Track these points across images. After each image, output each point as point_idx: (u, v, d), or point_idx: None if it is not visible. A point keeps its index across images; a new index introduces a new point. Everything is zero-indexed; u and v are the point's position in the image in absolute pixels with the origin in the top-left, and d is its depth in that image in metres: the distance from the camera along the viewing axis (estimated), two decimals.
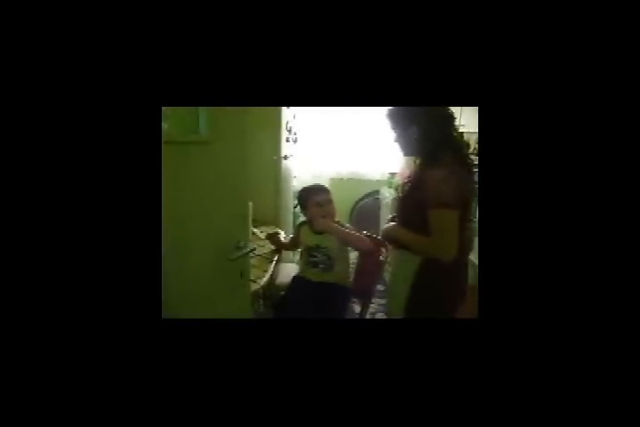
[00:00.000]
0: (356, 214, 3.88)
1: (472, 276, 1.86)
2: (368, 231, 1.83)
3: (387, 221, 1.47)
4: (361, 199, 3.92)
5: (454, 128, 1.29)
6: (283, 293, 1.80)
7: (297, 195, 1.78)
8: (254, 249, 1.21)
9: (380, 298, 2.42)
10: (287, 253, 2.59)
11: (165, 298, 0.71)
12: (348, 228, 1.66)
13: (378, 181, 3.85)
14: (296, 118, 3.02)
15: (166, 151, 0.71)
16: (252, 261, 1.68)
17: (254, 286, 1.51)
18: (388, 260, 1.72)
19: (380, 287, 2.34)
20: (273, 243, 1.91)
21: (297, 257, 2.19)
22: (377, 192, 3.75)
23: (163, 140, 0.69)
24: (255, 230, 2.21)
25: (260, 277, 1.60)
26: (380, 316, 2.44)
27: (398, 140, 1.33)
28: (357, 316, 1.81)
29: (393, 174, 3.63)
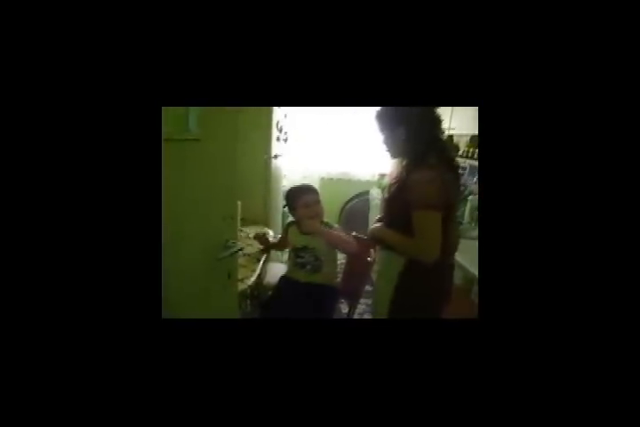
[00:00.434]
0: (345, 215, 3.89)
1: (460, 277, 1.88)
2: (357, 232, 1.84)
3: (374, 221, 1.47)
4: (350, 200, 3.92)
5: (441, 130, 1.31)
6: (270, 293, 1.79)
7: (285, 195, 1.78)
8: (242, 249, 1.21)
9: (367, 298, 2.43)
10: (275, 253, 2.58)
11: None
12: (337, 229, 1.66)
13: (368, 181, 3.86)
14: (287, 118, 3.02)
15: None
16: (241, 260, 1.67)
17: (242, 286, 1.50)
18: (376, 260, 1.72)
19: (368, 288, 2.34)
20: (261, 243, 1.91)
21: (285, 257, 2.19)
22: (366, 193, 3.76)
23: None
24: (244, 230, 2.20)
25: (248, 277, 1.59)
26: (367, 316, 2.45)
27: (386, 141, 1.34)
28: (345, 316, 1.81)
29: (383, 175, 3.64)
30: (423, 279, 1.27)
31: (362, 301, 2.45)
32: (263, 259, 1.84)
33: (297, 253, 1.69)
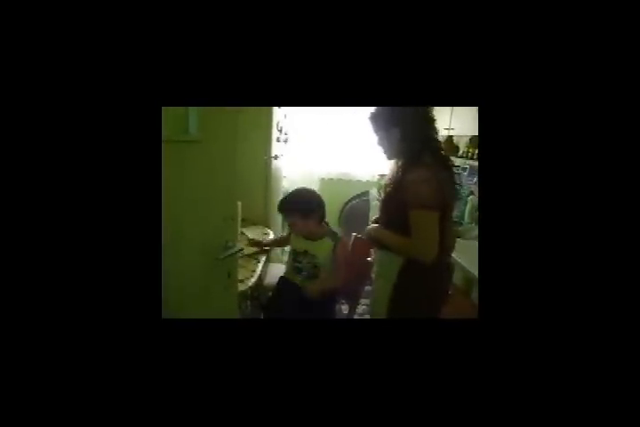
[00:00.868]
0: (345, 215, 3.88)
1: (460, 277, 1.88)
2: (357, 232, 1.84)
3: (371, 222, 1.48)
4: (350, 200, 3.92)
5: (435, 130, 1.32)
6: (271, 293, 1.79)
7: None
8: (242, 249, 1.21)
9: (368, 299, 2.42)
10: (276, 254, 2.58)
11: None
12: (335, 232, 1.65)
13: (368, 181, 3.86)
14: (287, 118, 3.01)
15: None
16: (241, 261, 1.66)
17: (242, 287, 1.50)
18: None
19: (368, 288, 2.34)
20: (258, 247, 1.91)
21: (286, 257, 2.19)
22: (366, 193, 3.76)
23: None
24: (244, 230, 2.20)
25: (248, 278, 1.59)
26: (368, 317, 2.44)
27: (381, 142, 1.35)
28: (345, 317, 1.81)
29: (383, 176, 3.64)
30: (421, 279, 1.27)
31: (362, 301, 2.45)
32: (263, 260, 1.84)
33: (296, 256, 1.66)
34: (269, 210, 2.61)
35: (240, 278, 1.52)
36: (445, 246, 1.23)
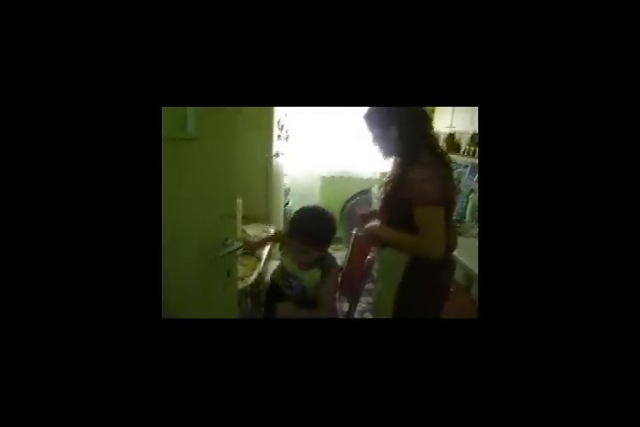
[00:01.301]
0: (346, 213, 3.89)
1: (460, 275, 1.88)
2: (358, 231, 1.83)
3: (361, 217, 1.47)
4: (352, 198, 3.92)
5: (431, 127, 1.33)
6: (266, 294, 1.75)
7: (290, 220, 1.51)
8: (241, 247, 1.21)
9: (367, 297, 2.42)
10: (276, 251, 2.58)
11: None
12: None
13: (369, 179, 3.86)
14: (288, 116, 3.01)
15: None
16: (241, 259, 1.67)
17: (242, 284, 1.50)
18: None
19: (370, 286, 2.34)
20: (252, 250, 1.87)
21: None
22: (368, 191, 3.76)
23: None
24: (245, 228, 2.20)
25: (249, 276, 1.60)
26: (368, 315, 2.45)
27: (377, 140, 1.35)
28: (345, 315, 1.81)
29: (384, 174, 3.64)
30: (427, 276, 1.28)
31: (362, 300, 2.44)
32: (264, 257, 1.85)
33: (285, 275, 1.51)
34: (270, 208, 2.61)
35: (240, 276, 1.53)
36: (449, 242, 1.23)
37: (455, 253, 1.42)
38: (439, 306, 1.37)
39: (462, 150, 2.81)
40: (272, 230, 2.30)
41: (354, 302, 1.83)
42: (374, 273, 1.62)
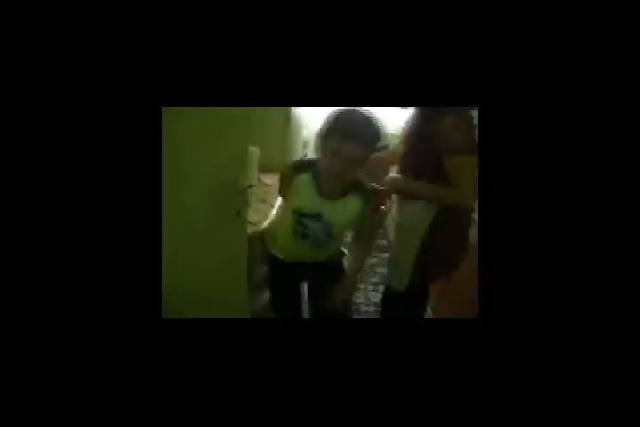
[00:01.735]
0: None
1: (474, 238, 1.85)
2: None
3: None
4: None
5: None
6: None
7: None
8: (252, 185, 1.19)
9: (381, 252, 2.43)
10: None
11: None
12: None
13: (392, 135, 3.75)
14: None
15: None
16: (256, 205, 1.67)
17: (255, 228, 1.51)
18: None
19: (382, 242, 2.34)
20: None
21: None
22: (387, 146, 3.66)
23: None
24: (262, 177, 2.19)
25: (260, 221, 1.60)
26: (380, 270, 2.46)
27: None
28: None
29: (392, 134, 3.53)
30: (453, 227, 1.29)
31: (376, 253, 2.45)
32: (278, 204, 1.84)
33: (301, 219, 1.14)
34: (288, 158, 2.58)
35: (253, 222, 1.53)
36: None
37: None
38: (458, 261, 1.38)
39: None
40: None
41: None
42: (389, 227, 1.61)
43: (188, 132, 0.95)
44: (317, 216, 1.11)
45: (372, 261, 2.46)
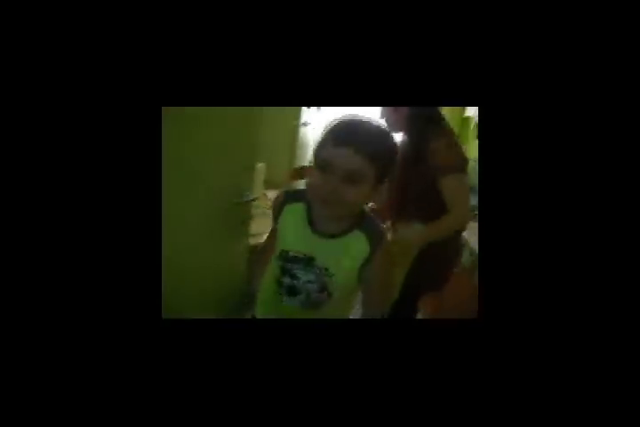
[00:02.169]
0: None
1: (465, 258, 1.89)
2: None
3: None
4: None
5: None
6: None
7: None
8: (256, 199, 1.25)
9: None
10: None
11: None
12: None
13: None
14: None
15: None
16: (260, 220, 1.73)
17: (257, 240, 1.56)
18: None
19: None
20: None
21: None
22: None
23: None
24: (266, 192, 2.26)
25: (261, 234, 1.65)
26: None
27: (388, 116, 1.35)
28: None
29: None
30: (439, 251, 1.29)
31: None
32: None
33: (288, 266, 0.88)
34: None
35: (253, 233, 1.59)
36: None
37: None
38: (450, 273, 1.41)
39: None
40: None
41: None
42: None
43: (198, 146, 0.98)
44: (309, 261, 0.85)
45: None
